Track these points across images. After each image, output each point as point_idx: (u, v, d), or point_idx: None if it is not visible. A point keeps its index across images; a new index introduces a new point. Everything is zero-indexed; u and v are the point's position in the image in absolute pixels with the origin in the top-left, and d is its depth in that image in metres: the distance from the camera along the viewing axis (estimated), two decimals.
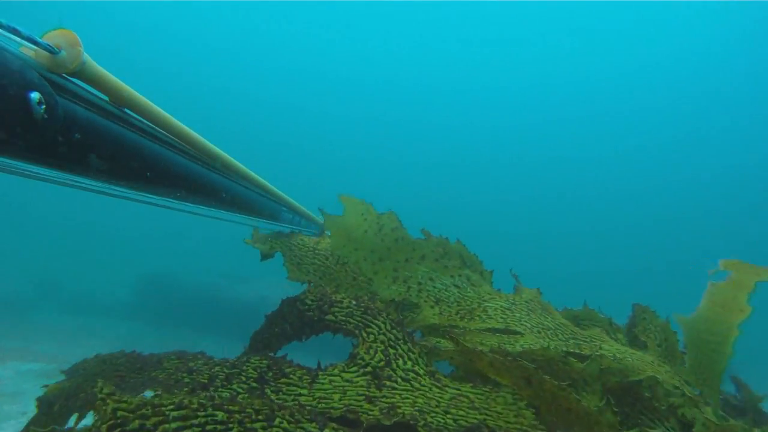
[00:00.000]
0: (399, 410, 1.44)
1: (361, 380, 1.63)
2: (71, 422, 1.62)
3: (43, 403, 1.72)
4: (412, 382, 1.65)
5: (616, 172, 38.23)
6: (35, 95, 0.78)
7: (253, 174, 2.03)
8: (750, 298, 2.17)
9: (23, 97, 0.76)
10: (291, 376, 1.65)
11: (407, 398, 1.55)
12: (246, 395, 1.50)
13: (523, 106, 39.45)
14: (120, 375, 1.71)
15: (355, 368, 1.69)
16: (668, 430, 1.76)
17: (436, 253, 2.56)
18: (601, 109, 38.60)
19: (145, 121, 1.22)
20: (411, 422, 1.36)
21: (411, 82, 40.46)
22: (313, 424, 1.26)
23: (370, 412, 1.40)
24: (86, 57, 0.94)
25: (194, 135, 1.43)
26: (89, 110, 1.02)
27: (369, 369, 1.68)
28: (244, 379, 1.61)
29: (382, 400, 1.52)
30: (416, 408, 1.47)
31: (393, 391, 1.58)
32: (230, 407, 1.21)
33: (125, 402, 1.08)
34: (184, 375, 1.62)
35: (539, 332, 2.13)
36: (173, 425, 1.06)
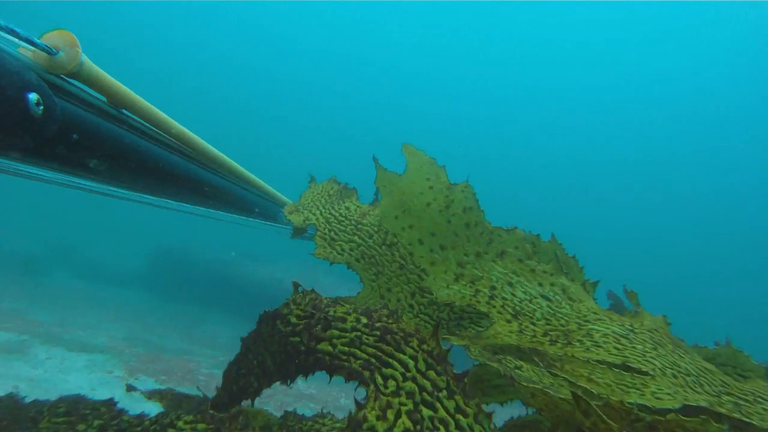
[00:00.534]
0: None
1: None
2: None
3: None
4: None
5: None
6: (33, 96, 0.78)
7: (251, 175, 2.03)
8: None
9: (21, 97, 0.77)
10: None
11: None
12: None
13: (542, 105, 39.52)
14: None
15: None
16: None
17: (521, 250, 1.92)
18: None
19: (143, 122, 1.22)
20: None
21: (412, 82, 40.56)
22: None
23: None
24: (84, 58, 0.94)
25: (192, 136, 1.43)
26: (87, 111, 1.02)
27: None
28: None
29: None
30: None
31: None
32: None
33: None
34: None
35: (674, 376, 1.48)
36: None
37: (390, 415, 0.98)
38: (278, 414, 1.73)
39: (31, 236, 14.65)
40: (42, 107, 0.80)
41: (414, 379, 1.08)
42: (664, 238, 37.32)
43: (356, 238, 2.16)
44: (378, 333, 1.19)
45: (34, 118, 0.80)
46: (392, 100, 41.69)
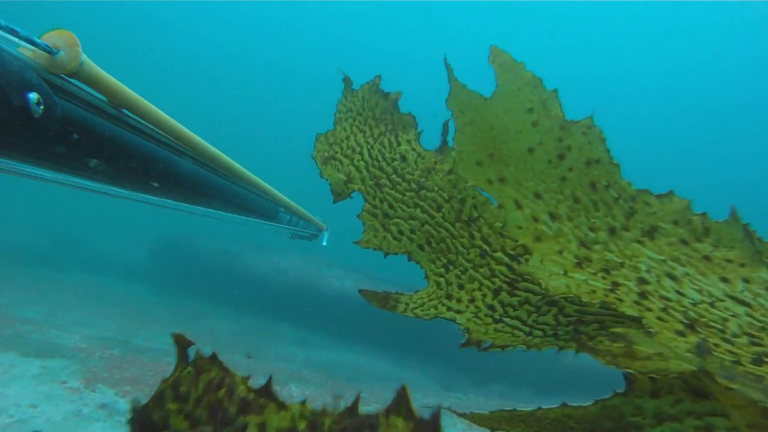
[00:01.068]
0: None
1: None
2: None
3: None
4: None
5: None
6: (33, 96, 0.78)
7: (250, 174, 2.03)
8: None
9: (22, 97, 0.77)
10: None
11: None
12: None
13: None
14: None
15: None
16: None
17: (684, 227, 1.21)
18: None
19: (144, 122, 1.22)
20: None
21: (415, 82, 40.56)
22: None
23: None
24: (84, 58, 0.94)
25: (192, 135, 1.43)
26: (87, 111, 1.02)
27: None
28: None
29: None
30: None
31: None
32: None
33: None
34: None
35: None
36: None
37: None
38: None
39: (33, 228, 14.38)
40: (42, 107, 0.81)
41: None
42: None
43: (419, 212, 1.48)
44: None
45: (35, 118, 0.80)
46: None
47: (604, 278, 1.19)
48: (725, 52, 35.12)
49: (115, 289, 11.16)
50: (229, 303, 10.97)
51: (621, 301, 1.12)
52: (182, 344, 0.69)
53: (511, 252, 1.35)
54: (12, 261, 10.90)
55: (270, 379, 0.62)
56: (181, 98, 34.33)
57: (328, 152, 1.60)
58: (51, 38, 0.90)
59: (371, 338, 10.25)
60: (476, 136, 1.31)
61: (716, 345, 1.01)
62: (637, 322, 1.12)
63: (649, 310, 1.11)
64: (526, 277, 1.29)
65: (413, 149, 1.54)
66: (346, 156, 1.61)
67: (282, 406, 0.59)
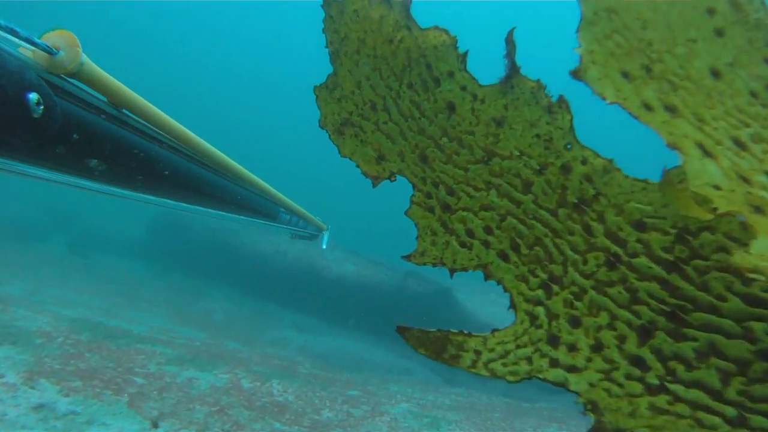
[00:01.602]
0: None
1: None
2: None
3: None
4: None
5: None
6: (33, 96, 0.78)
7: (250, 174, 2.03)
8: None
9: (21, 97, 0.77)
10: None
11: None
12: None
13: None
14: None
15: None
16: None
17: None
18: None
19: (144, 122, 1.22)
20: None
21: None
22: None
23: None
24: (84, 58, 0.94)
25: (192, 135, 1.44)
26: (87, 111, 1.02)
27: None
28: None
29: None
30: None
31: None
32: None
33: None
34: None
35: None
36: None
37: None
38: None
39: (29, 201, 13.87)
40: (42, 107, 0.80)
41: None
42: None
43: (494, 195, 0.93)
44: None
45: (35, 118, 0.80)
46: None
47: None
48: None
49: (110, 265, 10.81)
50: (226, 283, 10.76)
51: None
52: None
53: (673, 244, 0.73)
54: (4, 235, 10.50)
55: None
56: (181, 98, 34.35)
57: (339, 114, 1.10)
58: (51, 38, 0.90)
59: (370, 324, 10.11)
60: (619, 34, 0.81)
61: None
62: None
63: None
64: (733, 287, 0.68)
65: (463, 88, 0.96)
66: (366, 117, 1.07)
67: None
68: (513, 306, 0.90)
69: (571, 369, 0.77)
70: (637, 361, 0.72)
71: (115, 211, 15.54)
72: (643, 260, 0.76)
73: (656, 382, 0.70)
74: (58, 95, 0.91)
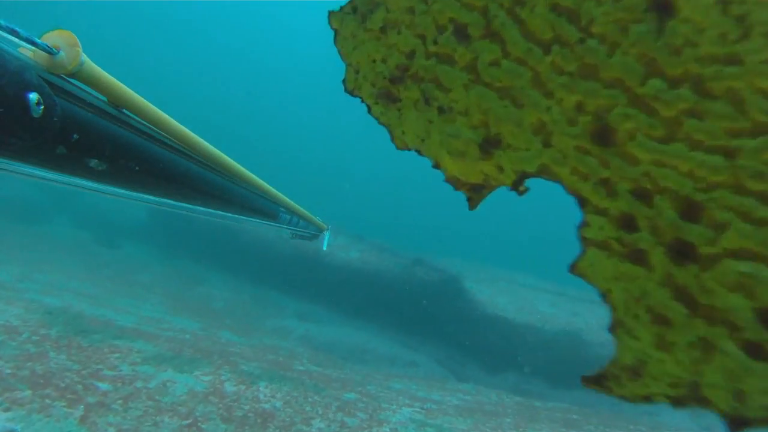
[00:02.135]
0: None
1: None
2: None
3: None
4: None
5: None
6: (33, 96, 0.78)
7: (250, 174, 2.03)
8: None
9: (21, 97, 0.77)
10: None
11: None
12: None
13: None
14: None
15: None
16: None
17: None
18: None
19: (144, 122, 1.22)
20: None
21: None
22: None
23: None
24: (85, 58, 0.94)
25: (192, 135, 1.44)
26: (88, 111, 1.02)
27: None
28: None
29: None
30: None
31: None
32: None
33: None
34: None
35: None
36: None
37: None
38: None
39: (33, 182, 13.88)
40: (42, 107, 0.80)
41: None
42: None
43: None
44: None
45: (35, 118, 0.80)
46: None
47: None
48: None
49: (109, 249, 10.50)
50: (229, 269, 10.49)
51: None
52: None
53: None
54: (6, 216, 10.21)
55: None
56: (182, 98, 34.35)
57: (385, 61, 0.65)
58: (51, 38, 0.90)
59: (375, 313, 9.88)
60: None
61: None
62: None
63: None
64: None
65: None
66: (449, 60, 0.62)
67: None
68: (619, 356, 0.71)
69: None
70: None
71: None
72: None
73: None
74: (59, 95, 0.91)
